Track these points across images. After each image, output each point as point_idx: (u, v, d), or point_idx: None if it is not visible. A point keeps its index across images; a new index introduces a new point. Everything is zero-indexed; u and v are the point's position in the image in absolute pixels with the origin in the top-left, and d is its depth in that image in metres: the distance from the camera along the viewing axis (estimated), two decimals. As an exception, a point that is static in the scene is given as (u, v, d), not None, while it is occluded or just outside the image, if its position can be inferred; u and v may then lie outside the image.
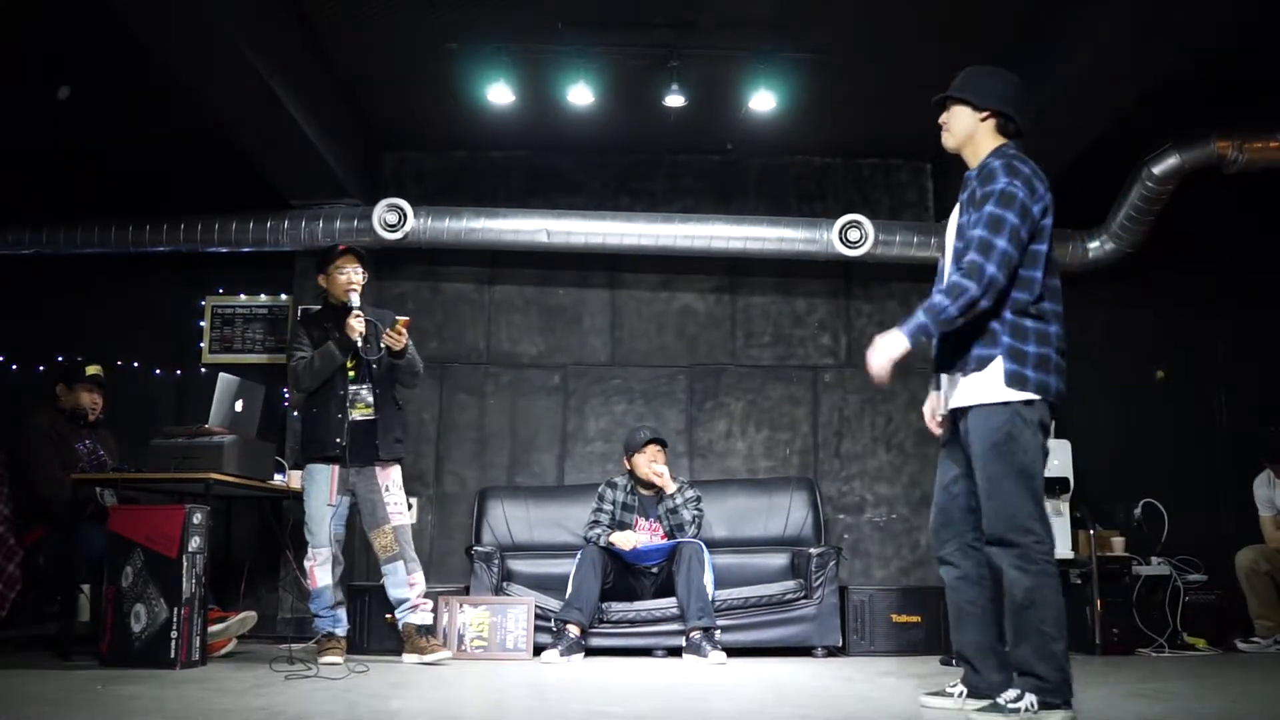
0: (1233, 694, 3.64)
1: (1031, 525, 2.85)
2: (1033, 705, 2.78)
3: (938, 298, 2.92)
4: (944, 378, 3.08)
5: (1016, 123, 3.07)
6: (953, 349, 3.00)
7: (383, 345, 4.51)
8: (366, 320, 4.48)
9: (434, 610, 4.62)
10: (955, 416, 3.06)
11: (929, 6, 4.76)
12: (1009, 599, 2.88)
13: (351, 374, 4.50)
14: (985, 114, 3.06)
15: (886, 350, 2.94)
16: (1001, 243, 2.87)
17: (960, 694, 3.13)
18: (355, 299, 4.49)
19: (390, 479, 4.54)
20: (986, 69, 3.14)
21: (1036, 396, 2.89)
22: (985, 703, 2.95)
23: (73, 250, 5.99)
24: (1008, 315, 2.91)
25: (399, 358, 4.51)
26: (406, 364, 4.55)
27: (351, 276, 4.55)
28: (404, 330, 4.45)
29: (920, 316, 2.92)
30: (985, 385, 2.92)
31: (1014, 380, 2.88)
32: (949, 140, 3.15)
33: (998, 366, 2.90)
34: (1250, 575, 5.34)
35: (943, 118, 3.15)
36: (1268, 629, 5.27)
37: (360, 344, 4.46)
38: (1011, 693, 2.84)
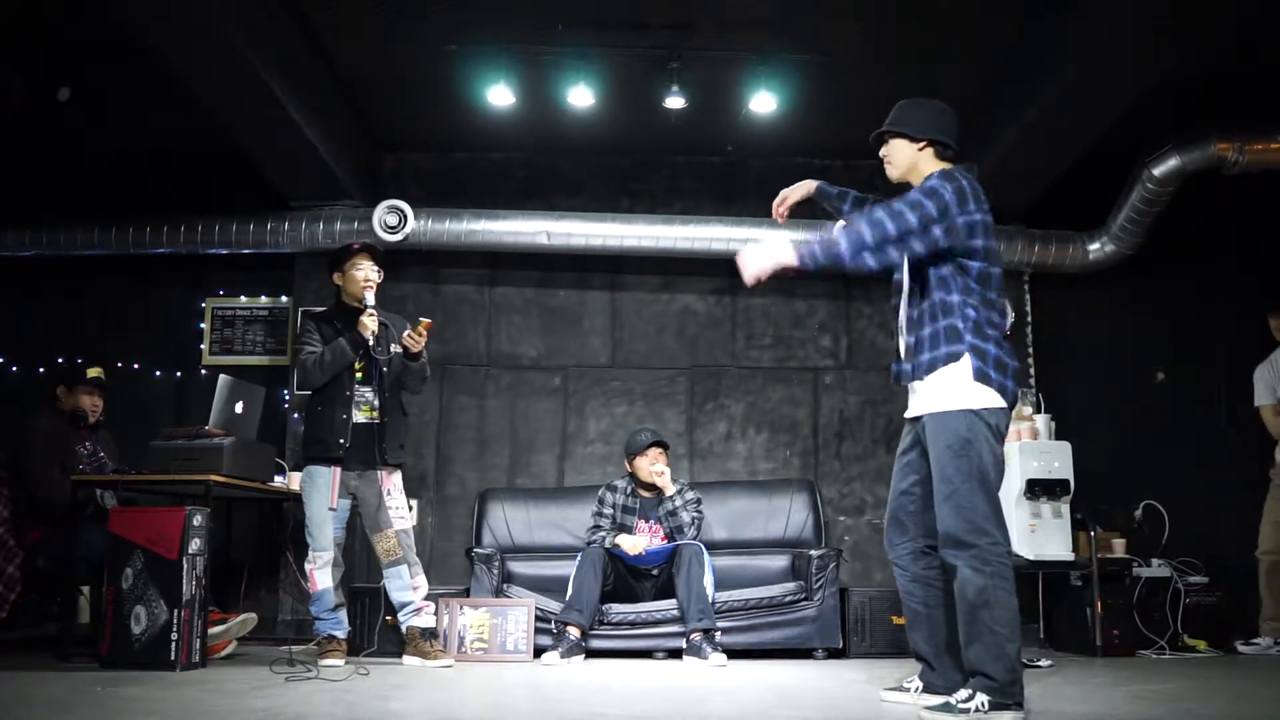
0: (1234, 696, 3.64)
1: (987, 527, 2.91)
2: (983, 705, 2.82)
3: (837, 233, 2.97)
4: (910, 388, 3.15)
5: (954, 149, 3.19)
6: (920, 353, 3.06)
7: (395, 348, 4.50)
8: (379, 321, 4.47)
9: (435, 613, 4.61)
10: (915, 423, 3.14)
11: (929, 7, 4.76)
12: (960, 599, 2.92)
13: (359, 375, 4.47)
14: (922, 143, 3.18)
15: (771, 254, 2.99)
16: (912, 218, 2.95)
17: (916, 690, 3.22)
18: (370, 297, 4.47)
19: (392, 483, 4.53)
20: (917, 101, 3.24)
21: (998, 401, 2.97)
22: (938, 700, 2.97)
23: (73, 251, 6.01)
24: (970, 314, 2.99)
25: (413, 360, 4.50)
26: (419, 368, 4.53)
27: (369, 273, 4.53)
28: (425, 333, 4.44)
29: (814, 244, 2.97)
30: (951, 385, 2.98)
31: (980, 377, 2.95)
32: (893, 172, 3.27)
33: (965, 363, 2.97)
34: (1271, 571, 5.17)
35: (883, 151, 3.26)
36: (1274, 629, 5.18)
37: (371, 343, 4.44)
38: (963, 692, 2.87)
